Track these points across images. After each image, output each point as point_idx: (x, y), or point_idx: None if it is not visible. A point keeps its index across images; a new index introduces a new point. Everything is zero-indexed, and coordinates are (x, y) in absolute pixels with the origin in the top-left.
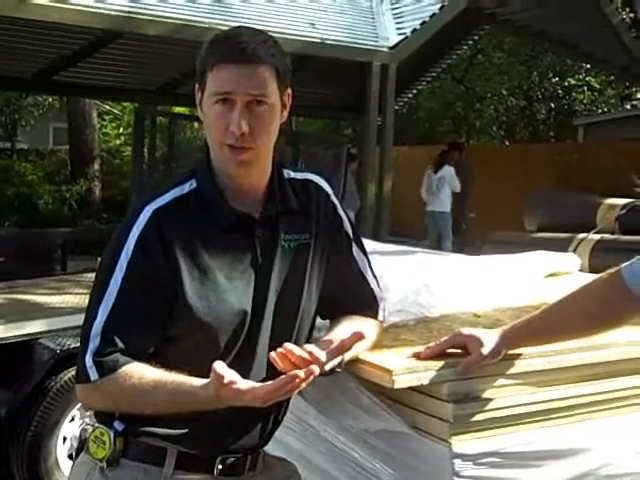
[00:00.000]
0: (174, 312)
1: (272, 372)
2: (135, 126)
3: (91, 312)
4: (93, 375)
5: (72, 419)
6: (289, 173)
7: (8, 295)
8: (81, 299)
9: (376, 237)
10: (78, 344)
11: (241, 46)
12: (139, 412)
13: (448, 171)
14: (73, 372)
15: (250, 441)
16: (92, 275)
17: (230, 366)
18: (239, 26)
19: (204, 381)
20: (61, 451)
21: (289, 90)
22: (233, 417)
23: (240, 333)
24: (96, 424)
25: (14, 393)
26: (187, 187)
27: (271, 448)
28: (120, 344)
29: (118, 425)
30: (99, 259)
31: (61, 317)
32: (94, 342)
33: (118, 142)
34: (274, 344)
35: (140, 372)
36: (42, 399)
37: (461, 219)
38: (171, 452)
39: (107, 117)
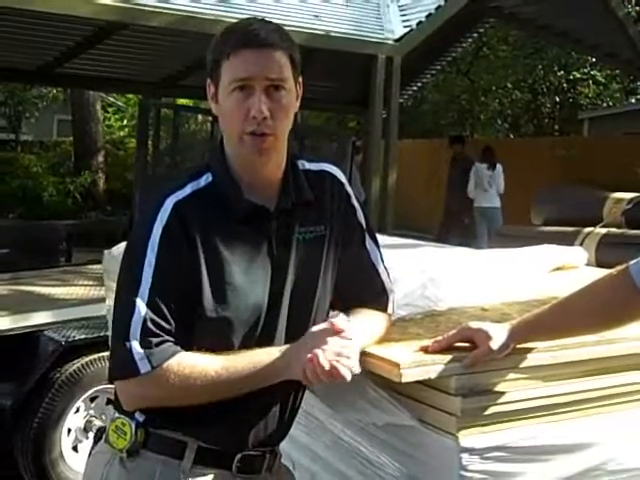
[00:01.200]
0: (194, 306)
1: None
2: (139, 118)
3: (127, 306)
4: (144, 368)
5: (77, 410)
6: (304, 164)
7: (13, 287)
8: (86, 290)
9: (381, 230)
10: (83, 335)
11: (255, 32)
12: (188, 402)
13: (499, 169)
14: (78, 364)
15: (269, 436)
16: (97, 267)
17: None
18: (248, 17)
19: (276, 349)
20: (66, 443)
21: (300, 79)
22: (253, 412)
23: (257, 326)
24: (116, 414)
25: (19, 385)
26: (203, 181)
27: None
28: (164, 335)
29: (139, 416)
30: (105, 252)
31: (66, 309)
32: (135, 334)
33: (122, 134)
34: (290, 336)
35: (192, 357)
36: (47, 391)
37: (464, 213)
38: (191, 446)
39: (111, 109)
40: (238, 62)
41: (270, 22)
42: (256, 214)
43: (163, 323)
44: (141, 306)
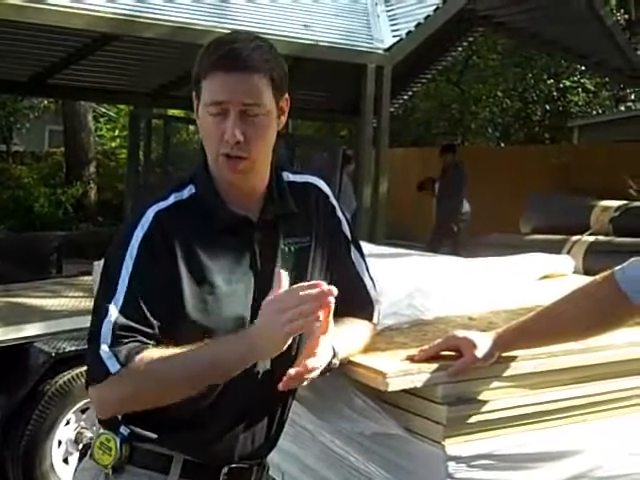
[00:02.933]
0: (173, 315)
1: (276, 376)
2: (130, 129)
3: (100, 312)
4: (113, 367)
5: (67, 422)
6: (288, 176)
7: (3, 298)
8: (77, 302)
9: (372, 239)
10: (73, 347)
11: (234, 53)
12: (161, 401)
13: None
14: (68, 375)
15: (256, 449)
16: (88, 278)
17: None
18: (234, 31)
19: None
20: (56, 455)
21: (286, 96)
22: (239, 425)
23: None
24: (101, 430)
25: (9, 397)
26: (186, 192)
27: None
28: (132, 337)
29: (124, 431)
30: (95, 263)
31: (56, 320)
32: (106, 338)
33: (114, 144)
34: None
35: (160, 351)
36: (37, 402)
37: (454, 221)
38: (177, 460)
39: (102, 119)
40: (214, 84)
41: (256, 37)
42: (239, 224)
43: (138, 327)
44: (113, 312)
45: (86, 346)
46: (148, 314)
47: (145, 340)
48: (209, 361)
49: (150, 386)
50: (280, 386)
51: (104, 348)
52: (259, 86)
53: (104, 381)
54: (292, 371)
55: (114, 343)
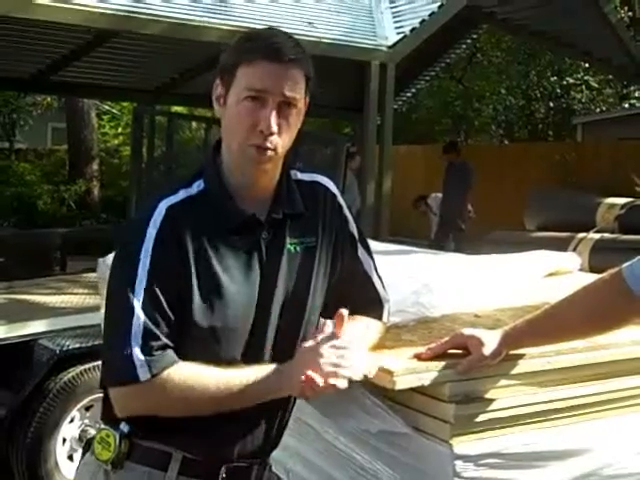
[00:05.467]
0: (183, 312)
1: None
2: (133, 126)
3: (123, 310)
4: (144, 376)
5: (72, 420)
6: (296, 174)
7: (7, 295)
8: (81, 299)
9: (376, 236)
10: (77, 344)
11: (277, 45)
12: (181, 413)
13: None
14: (73, 373)
15: (257, 448)
16: (92, 275)
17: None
18: (269, 27)
19: (271, 368)
20: (61, 452)
21: (307, 98)
22: (239, 424)
23: (245, 335)
24: (102, 425)
25: (14, 394)
26: (195, 188)
27: None
28: (164, 339)
29: (124, 427)
30: (99, 260)
31: (61, 317)
32: (138, 339)
33: (117, 142)
34: (279, 347)
35: (191, 367)
36: (42, 400)
37: (460, 219)
38: (176, 457)
39: (105, 117)
40: (257, 71)
41: (291, 36)
42: (247, 223)
43: (162, 326)
44: (139, 311)
45: (90, 343)
46: (169, 313)
47: (169, 343)
48: (238, 389)
49: (176, 402)
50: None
51: (137, 353)
52: (298, 81)
53: (130, 385)
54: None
55: (146, 349)
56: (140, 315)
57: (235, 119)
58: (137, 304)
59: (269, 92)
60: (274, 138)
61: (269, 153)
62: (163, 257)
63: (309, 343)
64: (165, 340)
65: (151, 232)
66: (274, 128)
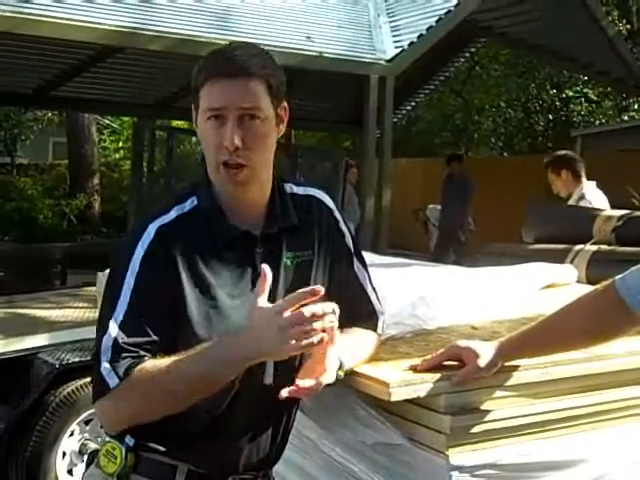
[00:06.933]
0: (176, 329)
1: (280, 386)
2: (134, 140)
3: (102, 328)
4: (112, 381)
5: (71, 434)
6: (291, 187)
7: (7, 309)
8: (80, 313)
9: (375, 249)
10: (77, 358)
11: (231, 61)
12: (164, 411)
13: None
14: (73, 387)
15: (260, 460)
16: (92, 289)
17: (237, 384)
18: (232, 42)
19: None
20: (60, 466)
21: (285, 103)
22: (244, 435)
23: None
24: (107, 438)
25: (13, 408)
26: (188, 205)
27: None
28: (133, 352)
29: (129, 440)
30: (99, 274)
31: (60, 331)
32: (107, 353)
33: (117, 156)
34: (279, 362)
35: (156, 361)
36: (41, 414)
37: (460, 231)
38: (181, 470)
39: (106, 131)
40: (214, 90)
41: (254, 46)
42: (241, 238)
43: (138, 341)
44: (112, 328)
45: (90, 357)
46: (149, 330)
47: (146, 355)
48: (206, 365)
49: (150, 397)
50: (283, 393)
51: (104, 364)
52: (256, 91)
53: (106, 396)
54: (301, 384)
55: (113, 359)
56: (112, 332)
57: (204, 140)
58: (112, 323)
59: (226, 108)
60: (242, 152)
61: (243, 170)
62: (150, 276)
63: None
64: (141, 353)
65: (139, 252)
66: (237, 143)
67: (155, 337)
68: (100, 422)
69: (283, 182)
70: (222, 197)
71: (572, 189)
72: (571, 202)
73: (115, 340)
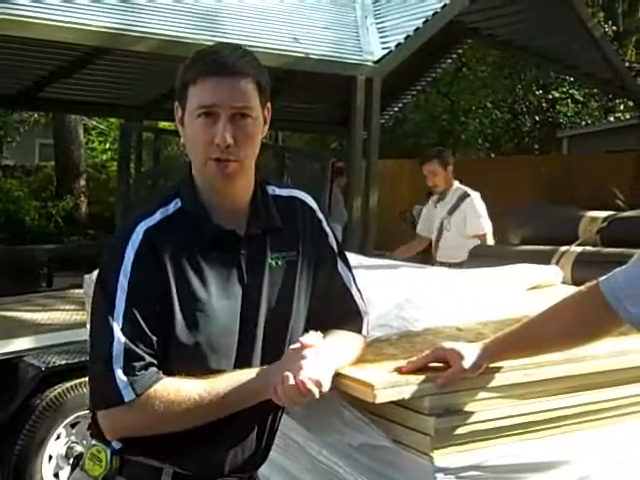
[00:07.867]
0: (166, 330)
1: None
2: (120, 142)
3: (104, 333)
4: (128, 396)
5: (58, 437)
6: (274, 189)
7: None
8: (67, 315)
9: (362, 251)
10: (63, 361)
11: (222, 60)
12: (171, 429)
13: None
14: (59, 390)
15: (246, 462)
16: (79, 291)
17: None
18: (218, 43)
19: (254, 371)
20: (47, 469)
21: (269, 104)
22: (229, 437)
23: (231, 351)
24: (93, 441)
25: None
26: (172, 207)
27: None
28: (148, 358)
29: (115, 443)
30: (86, 276)
31: (47, 334)
32: (119, 361)
33: (104, 157)
34: (267, 361)
35: (175, 382)
36: (27, 417)
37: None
38: (166, 472)
39: (93, 132)
40: (204, 88)
41: (240, 48)
42: (226, 239)
43: (143, 346)
44: (118, 333)
45: (76, 360)
46: (149, 333)
47: (153, 361)
48: (222, 395)
49: (163, 418)
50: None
51: (119, 374)
52: (248, 90)
53: (116, 407)
54: (307, 382)
55: (129, 370)
56: (120, 337)
57: (193, 137)
58: (116, 327)
59: (219, 106)
60: (233, 149)
61: (232, 165)
62: (142, 278)
63: (292, 347)
64: (148, 359)
65: (129, 254)
66: (229, 140)
67: (154, 341)
68: (103, 429)
69: (266, 184)
70: (206, 197)
71: (449, 185)
72: (455, 197)
73: (126, 346)
